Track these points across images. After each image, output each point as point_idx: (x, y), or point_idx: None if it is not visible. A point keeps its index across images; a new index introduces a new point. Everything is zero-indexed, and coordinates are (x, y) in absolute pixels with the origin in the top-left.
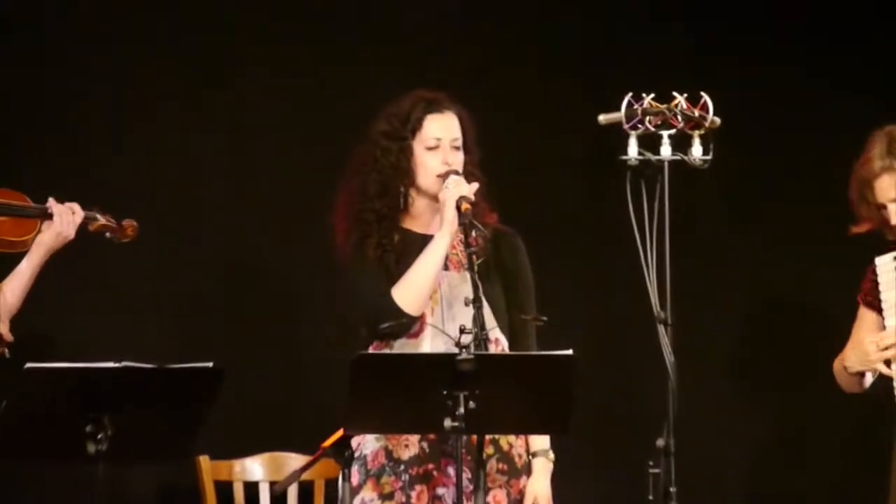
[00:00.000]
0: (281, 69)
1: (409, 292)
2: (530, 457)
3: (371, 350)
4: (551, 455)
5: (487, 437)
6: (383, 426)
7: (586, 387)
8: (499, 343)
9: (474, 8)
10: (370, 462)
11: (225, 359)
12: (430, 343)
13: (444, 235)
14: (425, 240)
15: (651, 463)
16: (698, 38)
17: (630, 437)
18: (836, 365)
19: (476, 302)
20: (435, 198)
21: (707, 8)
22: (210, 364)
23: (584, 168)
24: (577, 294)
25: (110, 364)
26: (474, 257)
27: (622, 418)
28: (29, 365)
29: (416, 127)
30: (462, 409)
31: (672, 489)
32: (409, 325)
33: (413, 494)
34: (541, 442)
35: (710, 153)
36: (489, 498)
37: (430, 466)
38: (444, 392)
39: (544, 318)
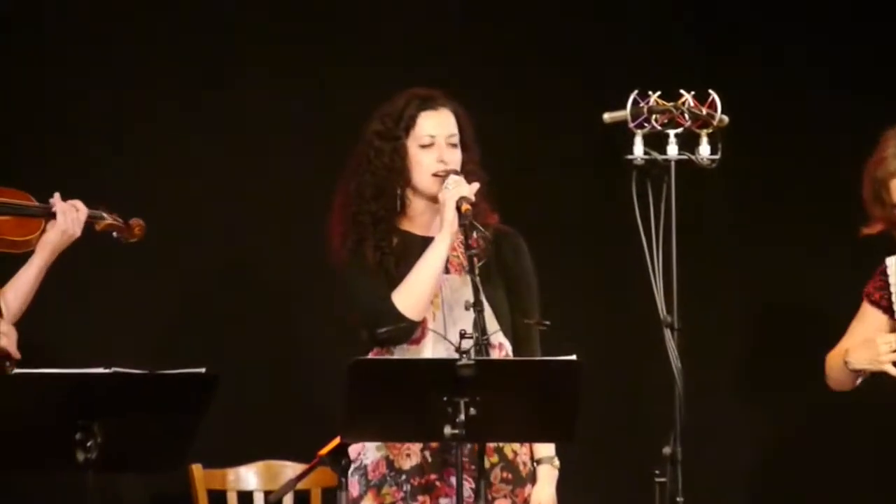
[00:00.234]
0: (280, 69)
1: (409, 296)
2: (535, 464)
3: (371, 356)
4: (556, 462)
5: (491, 445)
6: (381, 434)
7: (591, 393)
8: (502, 348)
9: (474, 5)
10: (371, 472)
11: (218, 364)
12: (431, 349)
13: (444, 237)
14: (425, 242)
15: (657, 471)
16: (707, 33)
17: (636, 444)
18: (833, 360)
19: (477, 306)
20: (432, 198)
21: (715, 3)
22: (203, 370)
23: (589, 168)
24: (580, 297)
25: (100, 370)
26: (475, 259)
27: (627, 425)
28: (16, 371)
29: (409, 125)
30: (462, 416)
31: (679, 499)
32: (410, 330)
33: None
34: (546, 449)
35: (718, 152)
36: None
37: (433, 477)
38: (444, 398)
39: (547, 323)
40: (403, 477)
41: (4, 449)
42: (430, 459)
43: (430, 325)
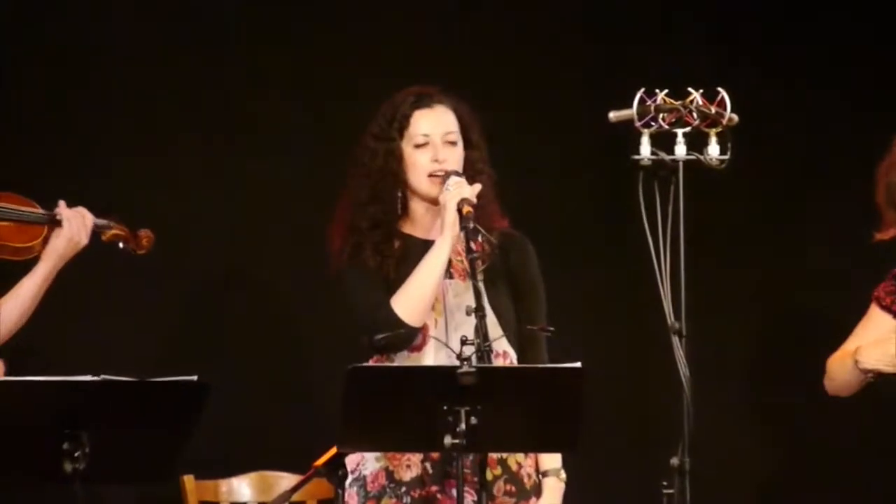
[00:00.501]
0: (277, 72)
1: (408, 302)
2: (540, 477)
3: (371, 363)
4: (563, 475)
5: (494, 456)
6: (379, 444)
7: (596, 401)
8: (507, 356)
9: (475, 2)
10: (370, 483)
11: (211, 372)
12: (433, 357)
13: (444, 241)
14: (426, 245)
15: (665, 483)
16: (715, 29)
17: (643, 455)
18: (836, 362)
19: (479, 311)
20: (432, 200)
21: None
22: (195, 377)
23: (593, 169)
24: (585, 303)
25: (88, 377)
26: (477, 263)
27: (634, 435)
28: (1, 378)
29: (402, 125)
30: (463, 426)
31: None
32: (409, 336)
33: None
34: (552, 461)
35: (728, 153)
36: None
37: (434, 489)
38: (445, 407)
39: (551, 329)
40: (403, 489)
41: None
42: (430, 471)
43: (432, 331)
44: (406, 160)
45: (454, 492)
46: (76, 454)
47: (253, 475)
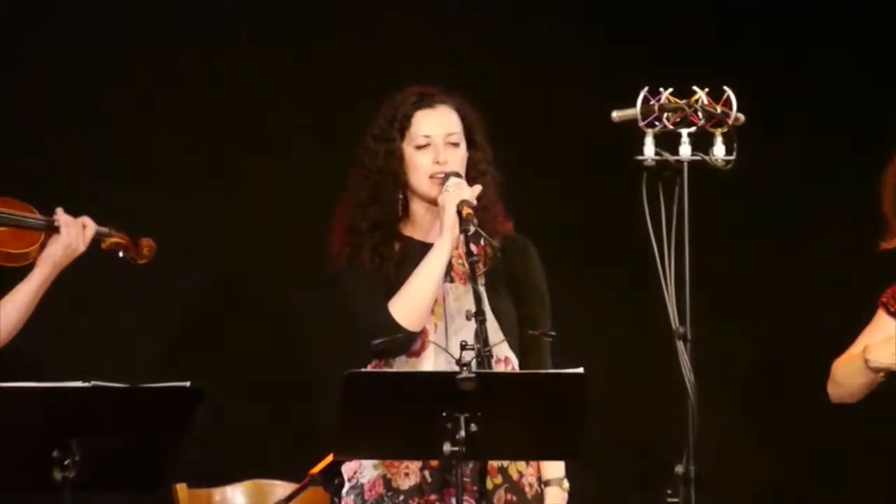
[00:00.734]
0: (277, 72)
1: (406, 306)
2: (542, 486)
3: (369, 369)
4: (566, 484)
5: (495, 464)
6: (377, 451)
7: (599, 408)
8: (508, 362)
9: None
10: (367, 492)
11: (204, 377)
12: (432, 362)
13: (443, 243)
14: (425, 248)
15: (669, 491)
16: (721, 25)
17: (647, 463)
18: (842, 365)
19: (479, 315)
20: (432, 201)
21: None
22: (187, 383)
23: (596, 170)
24: (588, 307)
25: (78, 383)
26: (478, 266)
27: (638, 442)
28: None
29: (403, 126)
30: (463, 433)
31: None
32: (407, 341)
33: None
34: (554, 469)
35: (734, 153)
36: None
37: (433, 497)
38: (444, 414)
39: (553, 333)
40: (401, 497)
41: None
42: (429, 479)
43: (431, 336)
44: (407, 161)
45: (453, 501)
46: (66, 462)
47: (247, 483)
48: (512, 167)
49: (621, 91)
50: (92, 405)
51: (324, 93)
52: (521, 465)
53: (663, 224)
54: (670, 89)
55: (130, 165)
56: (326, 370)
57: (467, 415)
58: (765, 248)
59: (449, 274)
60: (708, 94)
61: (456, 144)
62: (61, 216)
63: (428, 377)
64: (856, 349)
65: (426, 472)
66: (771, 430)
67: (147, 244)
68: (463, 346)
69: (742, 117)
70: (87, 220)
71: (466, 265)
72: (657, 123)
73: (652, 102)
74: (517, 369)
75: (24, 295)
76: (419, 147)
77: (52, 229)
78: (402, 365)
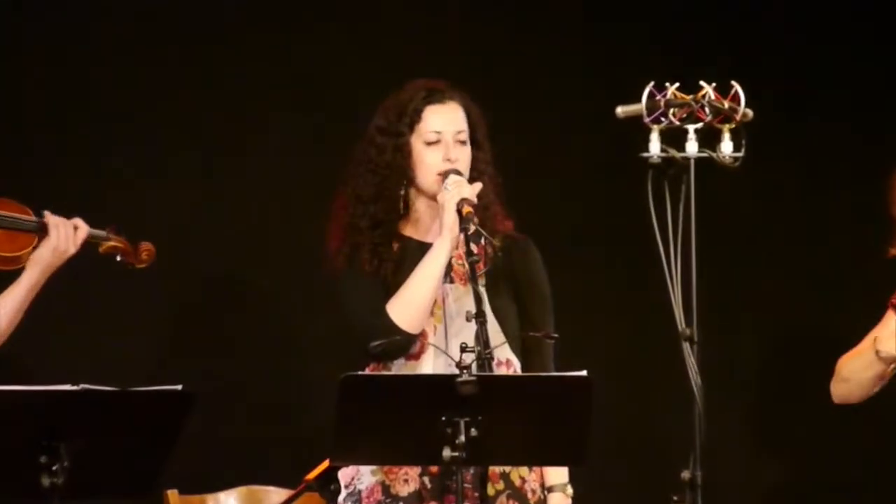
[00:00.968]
0: (277, 73)
1: (404, 307)
2: (545, 492)
3: (367, 372)
4: (570, 490)
5: (496, 470)
6: (374, 456)
7: (603, 412)
8: (510, 365)
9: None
10: (365, 498)
11: (197, 380)
12: (431, 365)
13: (443, 243)
14: (423, 248)
15: (675, 497)
16: (728, 19)
17: (652, 468)
18: (851, 361)
19: (479, 317)
20: (436, 199)
21: None
22: (179, 387)
23: (600, 167)
24: (591, 308)
25: (67, 387)
26: (478, 266)
27: (643, 447)
28: None
29: (413, 120)
30: (463, 438)
31: None
32: (405, 344)
33: None
34: (557, 475)
35: (742, 150)
36: None
37: None
38: (444, 418)
39: (555, 335)
40: None
41: None
42: (429, 485)
43: (431, 338)
44: (415, 157)
45: None
46: (54, 468)
47: (241, 489)
48: (513, 165)
49: (623, 88)
50: (81, 409)
51: (323, 92)
52: (524, 470)
53: (669, 223)
54: (676, 84)
55: (130, 165)
56: (323, 373)
57: (468, 419)
58: (774, 247)
59: (448, 274)
60: (715, 89)
61: (464, 142)
62: (50, 217)
63: (427, 380)
64: (871, 338)
65: (426, 479)
66: (778, 434)
67: (146, 249)
68: (463, 349)
69: (750, 113)
70: (79, 221)
71: (466, 265)
72: (663, 119)
73: (658, 98)
74: (519, 372)
75: (13, 299)
76: (429, 143)
77: (44, 231)
78: (400, 368)
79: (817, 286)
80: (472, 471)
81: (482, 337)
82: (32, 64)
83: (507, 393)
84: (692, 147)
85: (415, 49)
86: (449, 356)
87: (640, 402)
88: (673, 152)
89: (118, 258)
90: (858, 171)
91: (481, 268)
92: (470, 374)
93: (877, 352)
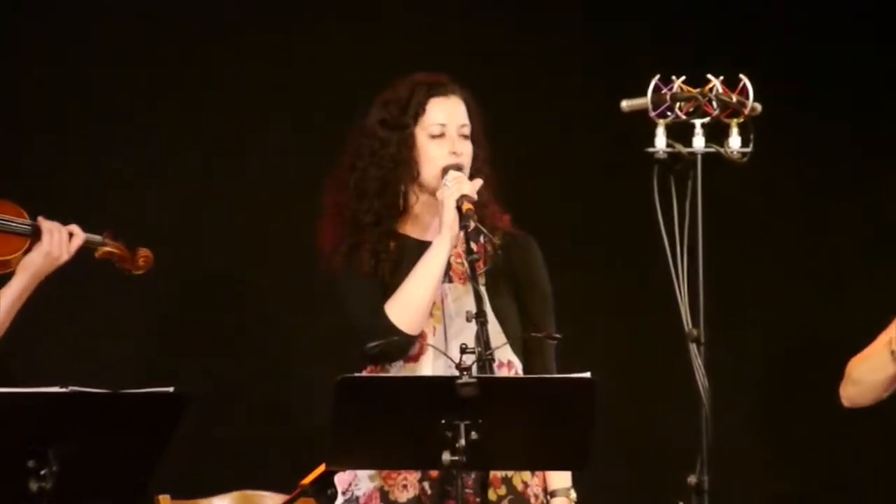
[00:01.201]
0: (277, 73)
1: (403, 307)
2: (548, 497)
3: (365, 374)
4: (573, 495)
5: (498, 475)
6: (372, 461)
7: (604, 413)
8: (512, 366)
9: None
10: None
11: (190, 383)
12: (430, 366)
13: (443, 241)
14: (422, 247)
15: (681, 503)
16: (729, 19)
17: (658, 472)
18: (864, 361)
19: (480, 317)
20: (436, 196)
21: None
22: (171, 389)
23: (604, 163)
24: (595, 308)
25: (56, 389)
26: (478, 265)
27: (648, 451)
28: None
29: (417, 112)
30: (463, 441)
31: None
32: (404, 345)
33: None
34: (561, 479)
35: (750, 145)
36: None
37: None
38: (443, 421)
39: (558, 336)
40: None
41: None
42: (428, 491)
43: (430, 339)
44: (419, 150)
45: None
46: (42, 472)
47: (234, 494)
48: (514, 161)
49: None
50: (70, 412)
51: (323, 92)
52: (526, 475)
53: (676, 220)
54: (683, 77)
55: (130, 165)
56: (322, 374)
57: (468, 422)
58: (781, 244)
59: (447, 273)
60: (723, 82)
61: (467, 137)
62: (43, 223)
63: (426, 382)
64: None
65: (425, 484)
66: (786, 438)
67: (144, 255)
68: (463, 350)
69: (759, 107)
70: (75, 228)
71: (466, 264)
72: (669, 113)
73: (664, 91)
74: (521, 373)
75: (2, 305)
76: (433, 136)
77: (37, 235)
78: (399, 370)
79: (827, 284)
80: (472, 475)
81: (483, 337)
82: (32, 64)
83: (508, 395)
84: (699, 142)
85: (415, 49)
86: (449, 357)
87: (642, 403)
88: (679, 147)
89: (115, 264)
90: (861, 172)
91: (481, 266)
92: (470, 376)
93: (892, 352)
